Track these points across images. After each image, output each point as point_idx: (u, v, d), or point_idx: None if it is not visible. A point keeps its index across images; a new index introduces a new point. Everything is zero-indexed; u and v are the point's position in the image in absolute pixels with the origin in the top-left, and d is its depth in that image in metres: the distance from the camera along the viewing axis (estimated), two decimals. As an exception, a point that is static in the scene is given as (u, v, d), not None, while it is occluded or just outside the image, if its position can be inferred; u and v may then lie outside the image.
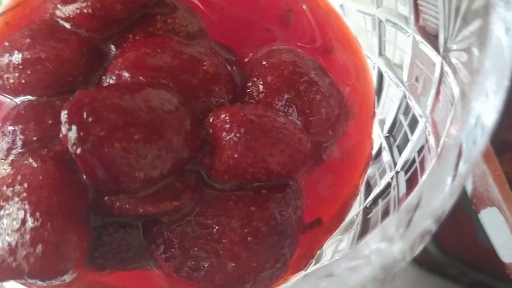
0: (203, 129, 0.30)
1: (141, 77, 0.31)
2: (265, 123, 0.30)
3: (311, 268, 0.34)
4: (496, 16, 0.23)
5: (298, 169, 0.32)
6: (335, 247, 0.34)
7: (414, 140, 0.34)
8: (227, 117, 0.30)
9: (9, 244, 0.26)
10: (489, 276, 0.55)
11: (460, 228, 0.57)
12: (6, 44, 0.34)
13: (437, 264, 0.57)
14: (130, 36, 0.34)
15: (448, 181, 0.20)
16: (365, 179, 0.37)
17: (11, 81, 0.33)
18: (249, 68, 0.35)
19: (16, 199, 0.27)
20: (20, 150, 0.31)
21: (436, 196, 0.19)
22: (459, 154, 0.21)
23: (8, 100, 0.34)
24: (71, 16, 0.34)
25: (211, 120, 0.30)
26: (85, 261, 0.28)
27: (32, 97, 0.33)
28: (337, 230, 0.35)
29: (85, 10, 0.33)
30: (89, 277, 0.31)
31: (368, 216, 0.35)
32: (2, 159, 0.31)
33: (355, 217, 0.35)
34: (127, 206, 0.29)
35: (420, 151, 0.33)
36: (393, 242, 0.19)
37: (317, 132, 0.34)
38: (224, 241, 0.29)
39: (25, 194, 0.27)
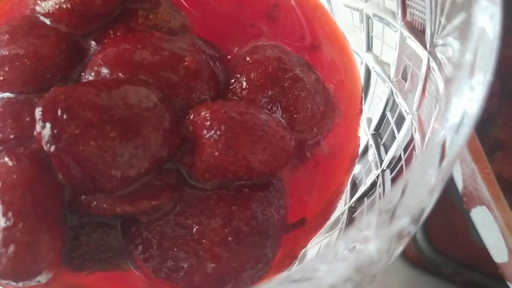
0: (184, 126, 0.30)
1: (120, 74, 0.30)
2: (247, 120, 0.29)
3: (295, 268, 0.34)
4: (479, 7, 0.22)
5: (282, 168, 0.31)
6: (319, 247, 0.34)
7: (401, 137, 0.33)
8: (208, 114, 0.29)
9: (-19, 245, 0.25)
10: (483, 275, 0.54)
11: (454, 227, 0.57)
12: (-15, 41, 0.33)
13: (430, 263, 0.56)
14: (111, 32, 0.33)
15: (426, 179, 0.19)
16: (351, 177, 0.36)
17: (-11, 78, 0.32)
18: (232, 64, 0.34)
19: (-11, 198, 0.26)
20: (-3, 148, 0.30)
21: (413, 194, 0.19)
22: (442, 151, 0.21)
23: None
24: (51, 12, 0.33)
25: (191, 117, 0.30)
26: (60, 261, 0.27)
27: (10, 94, 0.33)
28: (321, 230, 0.34)
29: (64, 5, 0.32)
30: (67, 278, 0.30)
31: (353, 215, 0.34)
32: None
33: (340, 216, 0.35)
34: (104, 205, 0.28)
35: (406, 148, 0.32)
36: (368, 241, 0.18)
37: (302, 130, 0.33)
38: (204, 241, 0.28)
39: (-2, 194, 0.26)
